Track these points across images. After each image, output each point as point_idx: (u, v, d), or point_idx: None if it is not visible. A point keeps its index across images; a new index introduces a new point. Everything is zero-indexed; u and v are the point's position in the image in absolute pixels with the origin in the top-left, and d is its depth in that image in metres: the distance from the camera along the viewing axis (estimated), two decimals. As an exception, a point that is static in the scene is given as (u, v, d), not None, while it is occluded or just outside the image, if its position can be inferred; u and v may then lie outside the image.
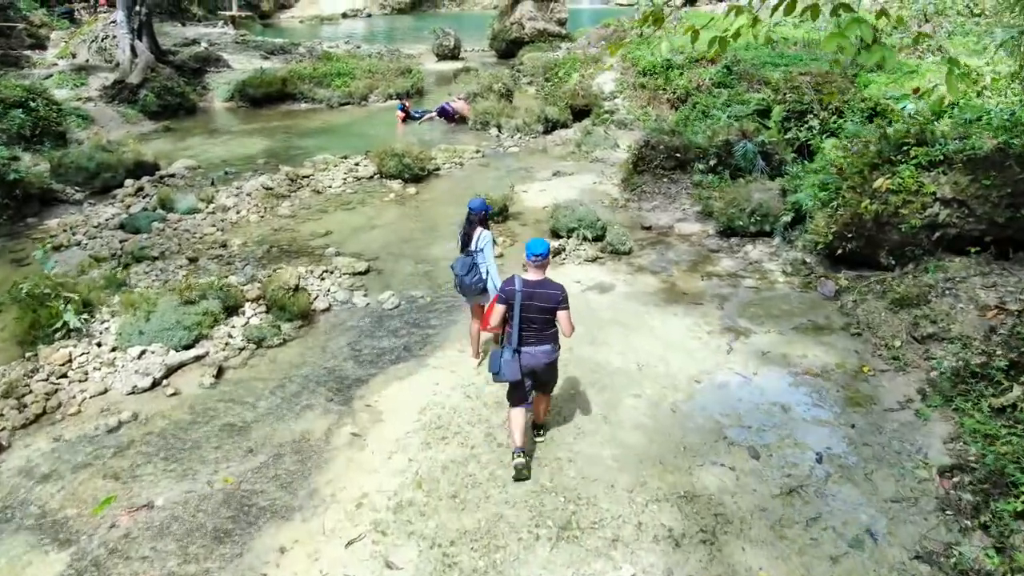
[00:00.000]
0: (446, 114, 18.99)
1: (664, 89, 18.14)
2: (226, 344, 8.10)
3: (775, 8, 6.16)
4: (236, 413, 7.02)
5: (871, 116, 12.90)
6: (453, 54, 28.65)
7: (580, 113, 18.50)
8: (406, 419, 6.81)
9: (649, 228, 11.59)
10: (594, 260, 10.28)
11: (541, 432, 6.52)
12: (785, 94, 13.76)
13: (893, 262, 9.02)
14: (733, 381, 7.29)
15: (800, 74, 13.81)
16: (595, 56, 21.63)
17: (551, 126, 17.89)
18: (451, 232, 11.32)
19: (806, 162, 12.89)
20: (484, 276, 7.31)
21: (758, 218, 10.71)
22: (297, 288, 8.80)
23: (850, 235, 9.14)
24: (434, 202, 12.97)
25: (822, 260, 9.77)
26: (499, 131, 17.77)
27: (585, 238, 10.78)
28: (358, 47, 29.93)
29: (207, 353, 7.95)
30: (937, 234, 8.75)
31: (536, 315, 5.76)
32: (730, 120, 14.50)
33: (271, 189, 13.10)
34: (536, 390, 6.17)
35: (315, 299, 9.12)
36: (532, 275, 5.81)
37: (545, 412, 6.52)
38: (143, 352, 7.75)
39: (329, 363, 7.89)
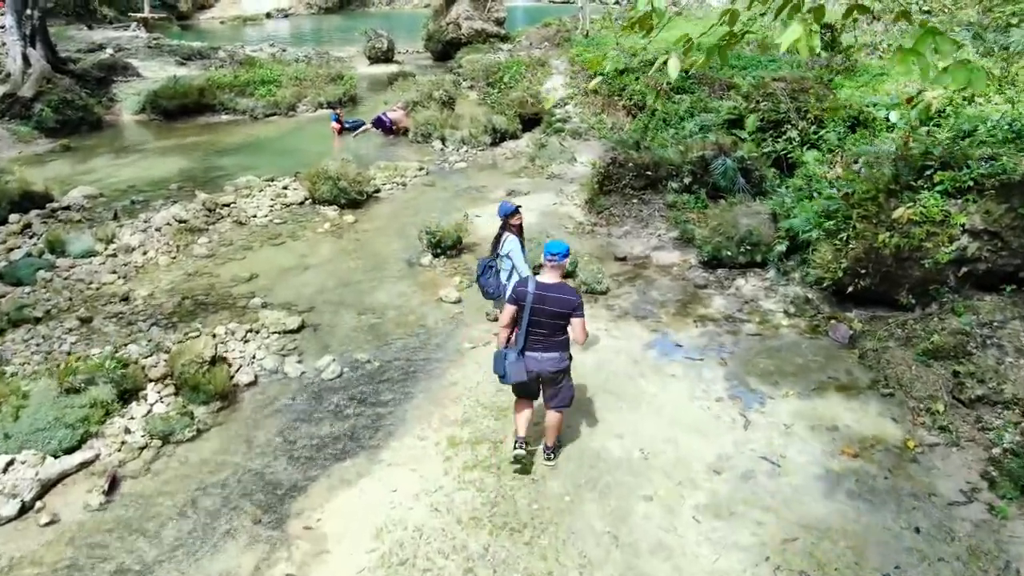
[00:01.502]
0: (382, 126, 17.30)
1: (619, 95, 16.87)
2: (122, 443, 6.39)
3: (779, 10, 5.12)
4: (133, 549, 5.36)
5: (853, 125, 11.86)
6: (387, 57, 26.88)
7: (530, 122, 17.08)
8: (358, 548, 5.27)
9: (623, 259, 10.25)
10: (568, 303, 8.86)
11: (552, 456, 6.06)
12: (758, 102, 12.61)
13: (913, 301, 7.88)
14: (760, 469, 5.97)
15: (773, 79, 12.68)
16: (541, 59, 20.27)
17: (499, 137, 16.40)
18: (399, 272, 9.81)
19: (786, 177, 11.80)
20: (503, 282, 7.39)
21: (748, 247, 9.46)
22: (214, 360, 7.14)
23: (863, 271, 7.96)
24: (376, 233, 11.35)
25: (827, 297, 8.58)
26: (443, 144, 16.20)
27: (555, 276, 9.36)
28: (284, 50, 27.85)
29: (97, 457, 6.24)
30: (964, 270, 7.64)
31: (547, 319, 5.48)
32: (697, 130, 13.34)
33: (185, 222, 11.27)
34: (546, 402, 5.91)
35: (237, 371, 7.47)
36: (548, 277, 5.56)
37: (556, 433, 6.07)
38: (10, 463, 5.97)
39: (256, 462, 6.27)
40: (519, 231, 7.57)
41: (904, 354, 7.34)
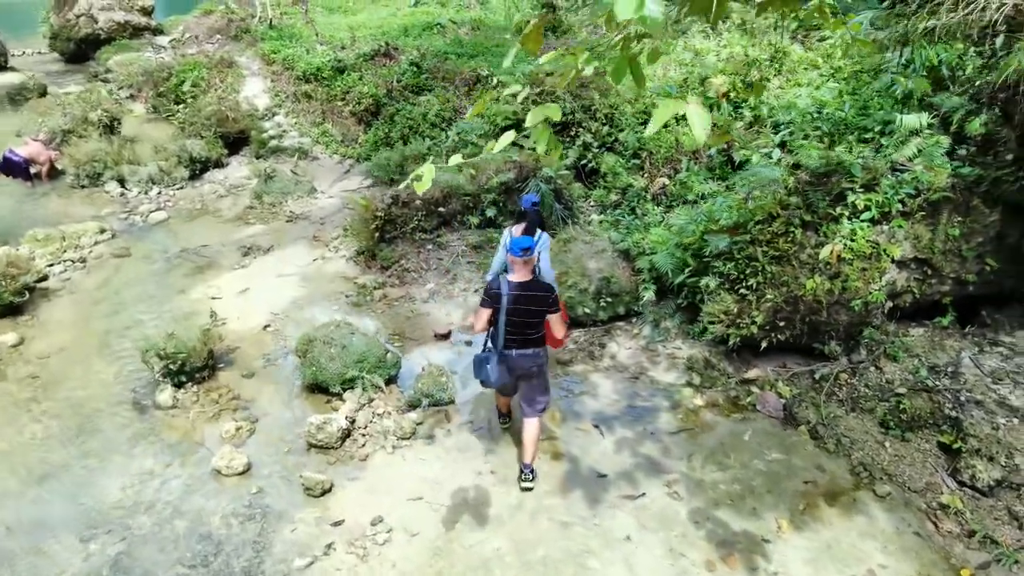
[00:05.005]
0: (17, 169, 12.11)
1: (342, 99, 13.92)
2: None
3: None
4: None
5: (646, 123, 10.48)
6: (-2, 64, 20.46)
7: (236, 142, 13.42)
8: None
9: (446, 335, 7.71)
10: (411, 436, 6.15)
11: (531, 476, 5.48)
12: (535, 102, 10.67)
13: (838, 349, 6.50)
14: None
15: (547, 75, 10.81)
16: (224, 57, 16.35)
17: (200, 167, 12.58)
18: (127, 430, 6.34)
19: (591, 190, 10.10)
20: None
21: (608, 300, 7.51)
22: None
23: (783, 323, 6.40)
24: (64, 358, 7.35)
25: (725, 353, 6.94)
26: (123, 186, 11.89)
27: (378, 388, 6.57)
28: None
29: None
30: (890, 305, 6.42)
31: (524, 319, 5.10)
32: (461, 138, 11.10)
33: None
34: (523, 407, 5.54)
35: None
36: (517, 275, 5.12)
37: (534, 447, 5.49)
38: None
39: None
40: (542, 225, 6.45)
41: (863, 424, 5.93)
